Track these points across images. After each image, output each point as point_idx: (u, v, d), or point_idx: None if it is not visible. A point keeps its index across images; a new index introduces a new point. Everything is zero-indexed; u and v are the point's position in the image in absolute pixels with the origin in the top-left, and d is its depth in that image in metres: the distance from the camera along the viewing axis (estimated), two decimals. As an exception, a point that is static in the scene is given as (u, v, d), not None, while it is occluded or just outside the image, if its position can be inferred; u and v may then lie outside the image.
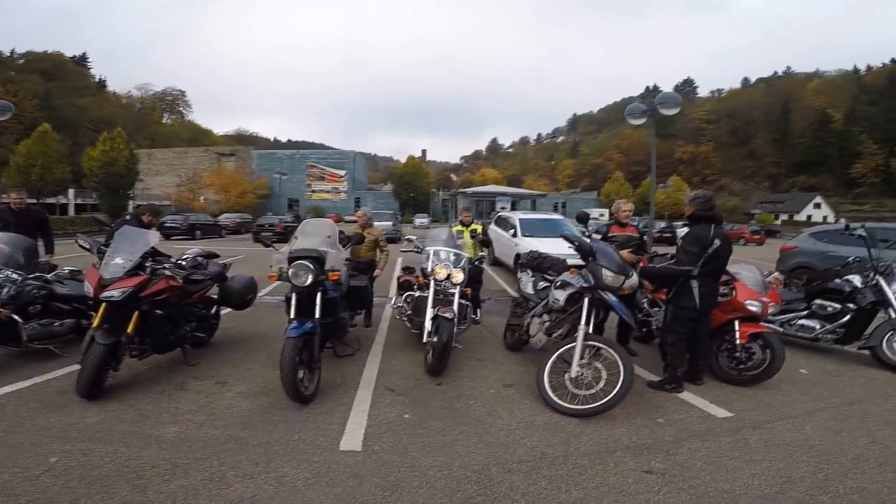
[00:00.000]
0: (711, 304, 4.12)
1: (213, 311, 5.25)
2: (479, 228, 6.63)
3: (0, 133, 43.50)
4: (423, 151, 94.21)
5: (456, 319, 4.33)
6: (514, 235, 11.14)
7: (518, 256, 9.80)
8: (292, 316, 3.76)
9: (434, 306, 4.39)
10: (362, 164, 65.82)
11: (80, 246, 4.25)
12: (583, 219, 4.97)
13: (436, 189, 59.05)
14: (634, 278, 4.10)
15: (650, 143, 12.12)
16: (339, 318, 4.23)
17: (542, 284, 4.83)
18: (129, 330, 3.78)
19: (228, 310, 5.45)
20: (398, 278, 6.10)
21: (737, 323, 4.30)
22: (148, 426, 3.15)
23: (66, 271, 5.22)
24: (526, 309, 4.86)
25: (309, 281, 3.76)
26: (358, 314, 5.81)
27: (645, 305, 5.32)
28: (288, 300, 3.91)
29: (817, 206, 68.91)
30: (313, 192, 54.57)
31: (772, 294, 4.66)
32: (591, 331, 3.76)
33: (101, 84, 78.04)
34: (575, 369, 3.61)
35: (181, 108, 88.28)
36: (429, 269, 4.72)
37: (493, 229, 13.25)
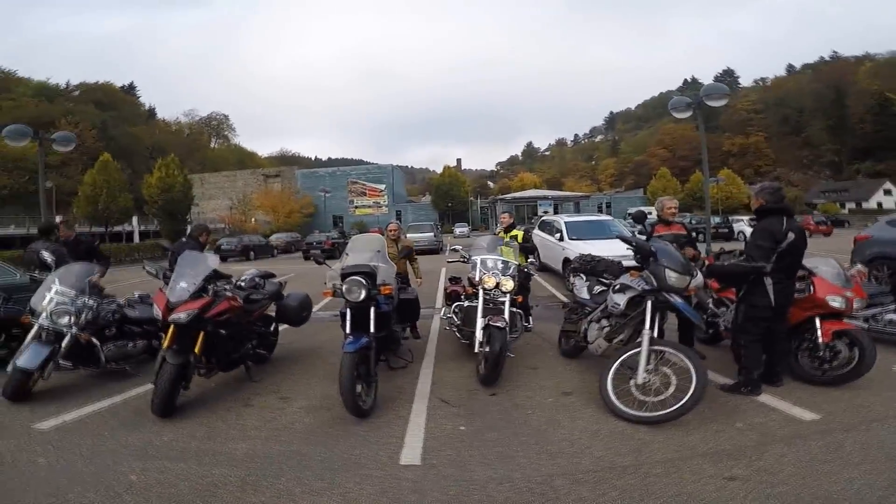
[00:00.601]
0: (788, 301, 3.84)
1: (272, 328, 5.45)
2: (521, 234, 6.50)
3: (66, 164, 45.65)
4: (458, 160, 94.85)
5: (507, 328, 4.26)
6: (561, 239, 10.91)
7: (567, 261, 9.57)
8: (348, 331, 3.83)
9: (484, 316, 4.34)
10: (400, 177, 66.81)
11: (147, 272, 4.52)
12: (640, 218, 4.77)
13: (473, 197, 59.07)
14: (700, 278, 3.88)
15: (700, 136, 11.58)
16: (392, 332, 4.27)
17: (598, 288, 4.66)
18: (197, 350, 3.96)
19: (286, 326, 5.61)
20: (445, 289, 6.10)
21: (818, 320, 3.97)
22: (218, 443, 3.27)
23: (136, 296, 5.56)
24: (582, 314, 4.70)
25: (362, 296, 3.81)
26: (408, 326, 5.87)
27: (711, 305, 5.03)
28: (343, 315, 3.98)
29: (887, 192, 63.56)
30: (356, 207, 55.85)
31: (856, 288, 4.28)
32: (655, 335, 3.58)
33: (151, 112, 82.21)
34: (641, 375, 3.44)
35: (227, 132, 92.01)
36: (477, 279, 4.67)
37: (538, 234, 13.01)
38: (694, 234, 5.66)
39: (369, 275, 3.95)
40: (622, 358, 3.61)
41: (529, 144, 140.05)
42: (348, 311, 3.91)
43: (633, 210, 5.53)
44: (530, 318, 6.20)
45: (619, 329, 3.91)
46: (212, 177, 61.52)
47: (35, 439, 3.37)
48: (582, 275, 5.06)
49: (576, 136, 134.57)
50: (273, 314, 5.39)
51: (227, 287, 4.43)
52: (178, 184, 32.73)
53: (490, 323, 4.17)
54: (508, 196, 52.01)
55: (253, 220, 46.79)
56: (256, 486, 2.68)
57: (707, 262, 4.53)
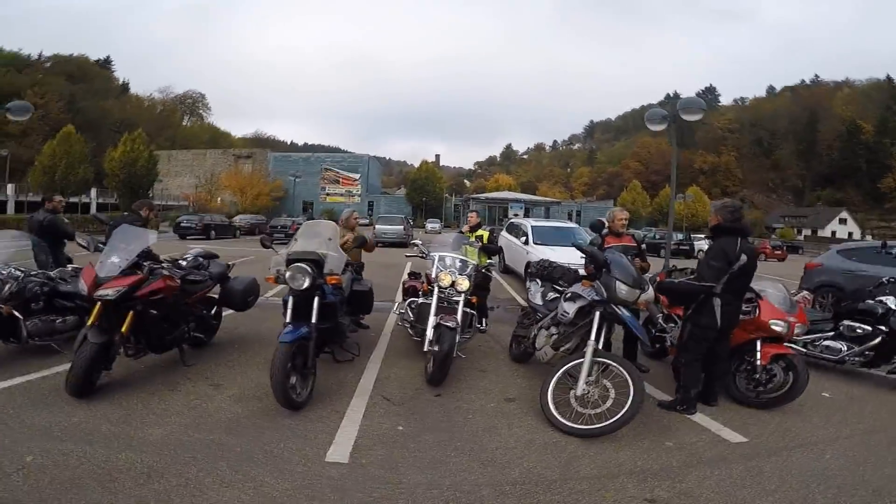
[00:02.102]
0: (733, 323, 3.84)
1: (213, 311, 5.19)
2: (486, 235, 6.45)
3: (27, 134, 44.65)
4: (437, 156, 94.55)
5: (459, 328, 4.18)
6: (526, 243, 10.95)
7: (528, 265, 9.63)
8: (288, 320, 3.66)
9: (437, 314, 4.24)
10: (377, 168, 66.28)
11: (79, 244, 4.22)
12: (598, 227, 4.75)
13: (449, 194, 59.13)
14: (650, 292, 3.88)
15: (672, 150, 11.77)
16: (339, 324, 4.11)
17: (551, 295, 4.63)
18: (124, 329, 3.69)
19: (231, 311, 5.36)
20: (403, 283, 5.98)
21: (759, 343, 4.03)
22: (132, 427, 3.06)
23: (70, 269, 5.20)
24: (533, 320, 4.67)
25: (306, 284, 3.65)
26: (361, 319, 5.72)
27: (660, 320, 5.08)
28: (285, 303, 3.81)
29: (843, 221, 67.05)
30: (328, 195, 55.04)
31: (799, 314, 4.39)
32: (600, 346, 3.57)
33: (125, 87, 79.67)
34: (581, 387, 3.41)
35: (201, 111, 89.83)
36: (433, 276, 4.58)
37: (505, 236, 13.06)
38: (644, 246, 5.70)
39: (316, 262, 3.79)
40: (566, 367, 3.58)
41: (509, 146, 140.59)
42: (290, 298, 3.74)
43: (593, 220, 5.53)
44: (485, 320, 6.17)
45: (566, 338, 3.87)
46: (180, 154, 59.63)
47: None
48: (538, 280, 5.03)
49: (555, 141, 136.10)
50: (216, 297, 5.13)
51: (165, 265, 4.19)
52: (142, 158, 32.10)
53: (441, 322, 4.08)
54: (482, 196, 52.30)
55: (219, 199, 45.40)
56: (162, 474, 2.51)
57: (658, 279, 4.56)
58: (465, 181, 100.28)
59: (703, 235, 28.66)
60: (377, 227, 22.50)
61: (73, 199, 34.43)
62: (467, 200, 51.72)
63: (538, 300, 4.74)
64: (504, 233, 13.36)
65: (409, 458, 2.86)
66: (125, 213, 5.95)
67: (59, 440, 2.82)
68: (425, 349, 4.15)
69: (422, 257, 5.13)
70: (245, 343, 5.20)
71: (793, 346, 4.62)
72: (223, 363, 4.48)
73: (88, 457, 2.64)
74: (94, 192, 39.10)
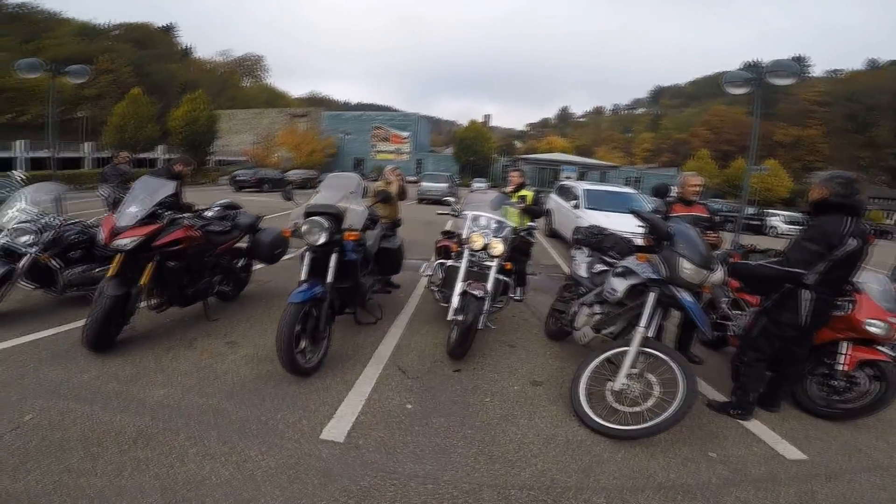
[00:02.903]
0: (822, 322, 3.13)
1: (241, 264, 5.07)
2: (530, 196, 5.89)
3: (101, 97, 47.28)
4: (487, 116, 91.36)
5: (488, 298, 3.76)
6: (577, 207, 10.24)
7: (577, 230, 9.00)
8: (302, 277, 3.39)
9: (465, 280, 3.84)
10: (426, 127, 65.61)
11: (100, 195, 4.14)
12: (662, 192, 4.02)
13: (498, 154, 57.54)
14: (719, 273, 3.23)
15: (754, 117, 10.33)
16: (359, 284, 3.80)
17: (598, 267, 4.02)
18: (143, 281, 3.59)
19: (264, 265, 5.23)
20: (436, 242, 5.60)
21: (845, 345, 3.31)
22: (137, 387, 2.94)
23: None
24: (576, 294, 4.13)
25: (322, 239, 3.34)
26: (389, 280, 5.45)
27: (724, 306, 4.41)
28: (302, 259, 3.54)
29: (942, 207, 58.95)
30: (378, 152, 55.32)
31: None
32: (651, 335, 3.03)
33: (187, 51, 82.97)
34: (621, 380, 2.93)
35: (259, 73, 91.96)
36: (464, 237, 4.15)
37: (554, 198, 12.42)
38: (718, 218, 4.91)
39: (335, 217, 3.47)
40: (607, 354, 3.10)
41: (564, 109, 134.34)
42: (307, 254, 3.46)
43: (658, 183, 4.79)
44: (524, 288, 5.72)
45: (611, 319, 3.35)
46: (240, 112, 61.56)
47: None
48: (585, 248, 4.46)
49: (615, 105, 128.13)
50: (246, 249, 4.99)
51: (186, 215, 4.03)
52: (202, 117, 33.43)
53: (468, 290, 3.67)
54: (531, 157, 50.35)
55: (276, 156, 46.73)
56: (149, 440, 2.36)
57: (732, 259, 3.85)
58: (516, 142, 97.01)
59: (777, 212, 26.13)
60: (422, 184, 22.38)
61: (142, 155, 36.80)
62: (515, 161, 49.99)
63: (582, 271, 4.18)
64: (554, 195, 12.69)
65: (410, 443, 2.56)
66: (157, 168, 5.89)
67: (64, 398, 2.74)
68: (449, 318, 3.77)
69: (454, 215, 4.69)
70: (272, 298, 5.05)
71: (886, 350, 3.79)
72: (245, 319, 4.35)
73: (84, 418, 2.54)
74: (160, 148, 41.45)
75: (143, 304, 3.84)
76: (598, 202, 10.21)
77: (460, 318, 3.61)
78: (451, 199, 5.29)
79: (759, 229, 23.81)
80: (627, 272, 3.25)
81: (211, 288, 4.41)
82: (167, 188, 3.98)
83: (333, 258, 3.42)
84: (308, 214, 3.47)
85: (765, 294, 3.31)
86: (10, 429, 2.39)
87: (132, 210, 3.65)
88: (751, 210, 25.87)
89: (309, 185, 28.57)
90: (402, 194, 6.11)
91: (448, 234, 5.54)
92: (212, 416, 2.65)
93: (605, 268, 3.89)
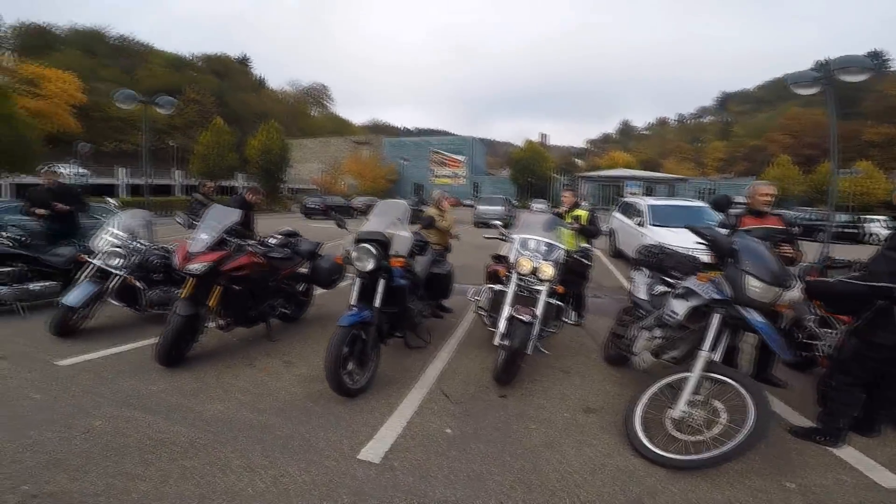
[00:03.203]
0: None
1: (303, 288, 5.33)
2: (585, 215, 5.72)
3: (189, 126, 52.21)
4: (543, 135, 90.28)
5: (538, 322, 3.66)
6: (641, 224, 9.79)
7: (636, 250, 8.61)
8: (352, 302, 3.50)
9: (513, 304, 3.77)
10: (481, 150, 66.36)
11: (177, 222, 4.55)
12: (723, 204, 3.73)
13: (556, 174, 56.56)
14: (797, 290, 2.94)
15: (829, 117, 9.50)
16: (407, 309, 3.86)
17: (659, 289, 3.80)
18: (211, 303, 3.89)
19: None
20: (486, 267, 5.57)
21: None
22: (198, 401, 3.14)
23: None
24: (635, 317, 3.92)
25: (370, 266, 3.45)
26: (441, 304, 5.48)
27: (810, 324, 3.99)
28: (353, 284, 3.67)
29: None
30: (436, 177, 56.54)
31: None
32: (718, 358, 2.80)
33: (261, 82, 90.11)
34: (681, 408, 2.72)
35: (325, 102, 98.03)
36: (512, 260, 4.10)
37: (617, 217, 11.98)
38: (796, 229, 4.47)
39: (382, 243, 3.57)
40: (667, 380, 2.90)
41: (625, 122, 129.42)
42: (357, 280, 3.58)
43: (718, 195, 4.47)
44: (583, 311, 5.54)
45: (672, 343, 3.14)
46: (309, 142, 65.53)
47: (49, 375, 3.47)
48: (644, 268, 4.25)
49: (680, 115, 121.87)
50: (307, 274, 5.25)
51: (250, 243, 4.33)
52: (276, 147, 35.48)
53: (514, 314, 3.60)
54: (593, 174, 48.98)
55: (343, 183, 49.15)
56: (198, 451, 2.51)
57: (808, 278, 3.49)
58: (577, 160, 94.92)
59: (876, 217, 23.36)
60: (478, 207, 22.28)
61: (223, 183, 39.95)
62: (574, 179, 48.87)
63: (642, 293, 3.96)
64: (616, 213, 12.25)
65: (445, 467, 2.51)
66: (232, 197, 6.41)
67: (131, 408, 2.98)
68: (495, 342, 3.70)
69: (501, 239, 4.66)
70: (329, 321, 5.19)
71: None
72: (303, 340, 4.53)
73: (145, 426, 2.75)
74: (240, 176, 44.80)
75: (212, 324, 4.15)
76: (665, 218, 9.70)
77: (506, 343, 3.54)
78: (497, 222, 5.25)
79: (857, 237, 21.36)
80: (688, 293, 3.04)
81: (273, 310, 4.67)
82: (234, 216, 4.31)
83: (381, 284, 3.51)
84: (358, 241, 3.60)
85: (852, 313, 2.96)
86: (82, 433, 2.65)
87: (203, 237, 3.99)
88: (844, 217, 23.39)
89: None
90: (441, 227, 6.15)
91: (499, 259, 5.49)
92: (259, 431, 2.76)
93: (666, 289, 3.66)
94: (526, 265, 3.91)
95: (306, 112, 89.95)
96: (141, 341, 4.24)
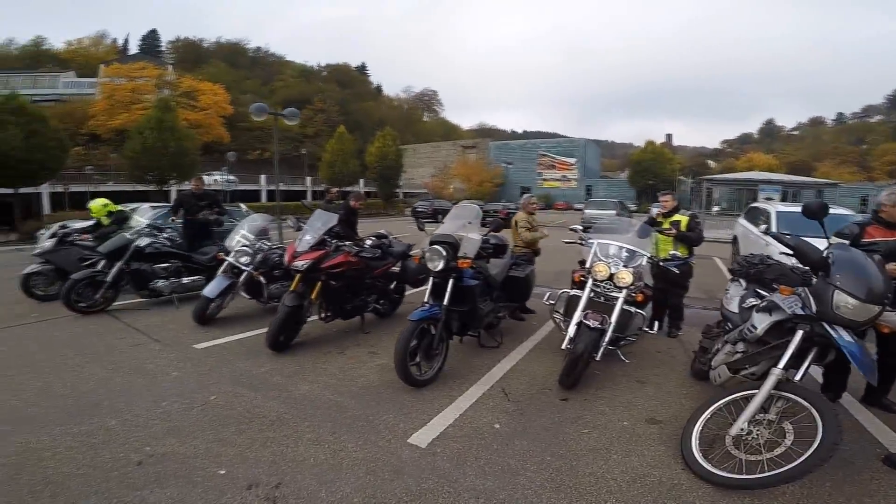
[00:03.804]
0: None
1: (394, 286, 5.80)
2: (685, 221, 5.34)
3: (318, 135, 56.37)
4: (668, 136, 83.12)
5: (609, 329, 3.60)
6: (767, 232, 8.71)
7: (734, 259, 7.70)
8: (425, 299, 3.80)
9: (585, 309, 3.75)
10: (595, 152, 63.23)
11: (289, 225, 5.28)
12: (815, 212, 3.25)
13: (683, 176, 51.66)
14: None
15: None
16: (476, 308, 4.04)
17: (751, 301, 3.48)
18: (312, 296, 4.49)
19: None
20: (573, 273, 5.52)
21: None
22: (293, 381, 3.65)
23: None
24: (723, 330, 3.67)
25: (440, 266, 3.71)
26: (523, 306, 5.55)
27: None
28: (429, 282, 3.96)
29: None
30: (544, 180, 55.39)
31: None
32: (799, 377, 2.55)
33: (378, 89, 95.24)
34: (740, 425, 2.54)
35: (435, 107, 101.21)
36: (587, 265, 4.06)
37: (741, 223, 10.81)
38: None
39: (452, 245, 3.82)
40: (735, 395, 2.73)
41: (769, 122, 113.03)
42: (431, 279, 3.86)
43: (811, 200, 3.79)
44: (680, 323, 5.20)
45: (751, 359, 2.90)
46: (421, 147, 68.29)
47: (186, 356, 4.23)
48: (742, 280, 3.91)
49: (840, 115, 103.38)
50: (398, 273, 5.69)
51: (347, 244, 4.87)
52: (391, 153, 37.13)
53: (583, 320, 3.59)
54: (721, 177, 43.80)
55: (451, 187, 50.67)
56: (281, 424, 2.95)
57: None
58: (709, 162, 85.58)
59: None
60: (586, 211, 21.21)
61: (346, 189, 43.17)
62: (699, 182, 44.17)
63: (733, 306, 3.65)
64: (741, 219, 11.06)
65: (483, 458, 2.64)
66: (341, 202, 7.17)
67: (241, 385, 3.56)
68: (563, 346, 3.71)
69: (580, 244, 4.60)
70: (415, 318, 5.64)
71: None
72: (389, 334, 4.95)
73: (248, 402, 3.27)
74: (362, 182, 48.17)
75: (315, 316, 4.76)
76: (797, 226, 8.50)
77: (571, 347, 3.54)
78: (577, 227, 5.17)
79: None
80: (773, 307, 2.82)
81: (367, 305, 5.18)
82: (333, 220, 4.90)
83: (451, 283, 3.75)
84: (431, 243, 3.88)
85: None
86: (199, 405, 3.23)
87: (307, 238, 4.62)
88: None
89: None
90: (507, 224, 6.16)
91: (583, 264, 5.40)
92: (334, 411, 3.16)
93: (756, 301, 3.37)
94: (602, 271, 3.86)
95: (419, 118, 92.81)
96: (259, 329, 4.97)
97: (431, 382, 3.62)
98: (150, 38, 78.44)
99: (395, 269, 5.62)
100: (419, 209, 27.28)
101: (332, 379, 3.73)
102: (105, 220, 7.07)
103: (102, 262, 5.82)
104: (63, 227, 7.25)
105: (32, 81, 49.66)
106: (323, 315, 4.76)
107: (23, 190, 17.71)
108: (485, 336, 4.51)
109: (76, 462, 2.51)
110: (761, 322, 2.81)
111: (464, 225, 4.07)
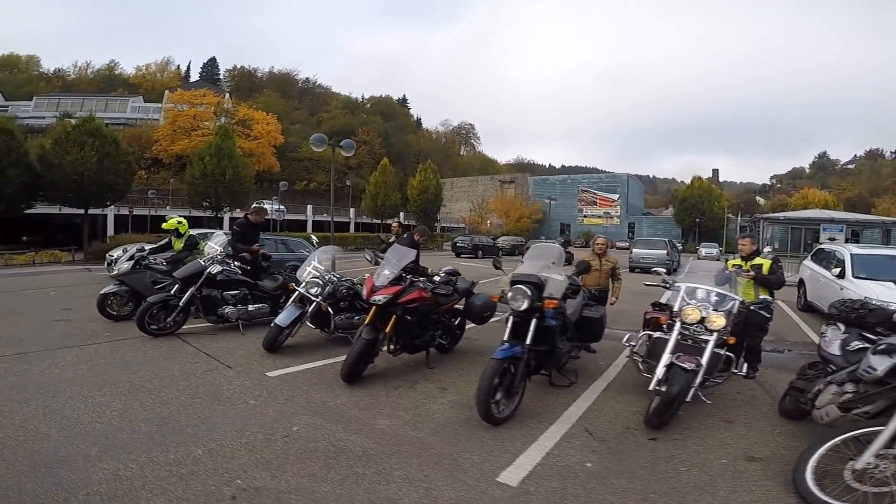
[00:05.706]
0: None
1: (457, 322, 5.81)
2: (767, 264, 5.18)
3: (361, 166, 57.30)
4: (715, 171, 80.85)
5: (701, 371, 3.55)
6: (841, 276, 8.31)
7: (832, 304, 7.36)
8: (505, 338, 3.79)
9: (674, 352, 3.69)
10: (638, 188, 62.16)
11: (366, 259, 5.44)
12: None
13: (732, 214, 49.84)
14: None
15: None
16: (555, 348, 4.00)
17: (856, 344, 3.45)
18: (387, 330, 4.55)
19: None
20: (645, 314, 5.39)
21: None
22: (370, 415, 3.67)
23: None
24: (822, 371, 3.64)
25: (524, 306, 3.72)
26: (588, 346, 5.44)
27: None
28: (507, 322, 3.96)
29: None
30: (585, 216, 54.66)
31: None
32: None
33: (419, 122, 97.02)
34: (867, 459, 2.52)
35: (472, 141, 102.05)
36: (675, 309, 4.00)
37: (808, 265, 10.43)
38: None
39: (537, 285, 3.82)
40: (855, 432, 2.74)
41: (822, 155, 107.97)
42: (511, 318, 3.86)
43: None
44: (758, 365, 5.01)
45: (865, 398, 2.92)
46: (459, 181, 69.09)
47: (261, 384, 4.31)
48: (840, 324, 3.78)
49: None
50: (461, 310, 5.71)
51: (421, 279, 4.95)
52: (431, 186, 37.48)
53: (676, 362, 3.55)
54: (779, 215, 41.89)
55: (489, 222, 50.84)
56: (369, 460, 2.93)
57: None
58: (759, 198, 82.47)
59: None
60: (633, 251, 20.37)
61: (388, 221, 43.68)
62: (754, 220, 42.37)
63: (835, 349, 3.61)
64: (807, 261, 10.71)
65: (581, 497, 2.55)
66: (404, 236, 7.34)
67: (320, 417, 3.59)
68: (651, 387, 3.64)
69: (664, 287, 4.52)
70: (478, 354, 5.61)
71: None
72: (455, 369, 4.95)
73: (330, 434, 3.28)
74: (402, 214, 48.70)
75: (384, 348, 4.81)
76: (874, 270, 8.09)
77: (663, 388, 3.49)
78: (661, 269, 5.09)
79: None
80: (892, 349, 2.86)
81: (433, 340, 5.21)
82: (410, 256, 5.00)
83: (533, 323, 3.75)
84: (513, 282, 3.90)
85: None
86: (283, 436, 3.23)
87: (386, 273, 4.72)
88: None
89: (517, 251, 30.00)
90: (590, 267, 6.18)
91: (658, 306, 5.28)
92: (418, 448, 3.14)
93: (865, 345, 3.35)
94: (692, 315, 3.86)
95: (456, 152, 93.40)
96: (328, 359, 5.06)
97: (508, 420, 3.58)
98: (210, 66, 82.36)
99: (459, 305, 5.65)
100: (459, 244, 27.33)
101: (407, 414, 3.74)
102: (176, 242, 7.36)
103: (175, 287, 6.08)
104: (141, 249, 7.68)
105: (105, 104, 53.47)
106: (391, 348, 4.81)
107: (91, 211, 18.73)
108: (556, 375, 4.44)
109: (168, 494, 2.44)
110: (881, 364, 2.85)
111: (547, 265, 4.09)
